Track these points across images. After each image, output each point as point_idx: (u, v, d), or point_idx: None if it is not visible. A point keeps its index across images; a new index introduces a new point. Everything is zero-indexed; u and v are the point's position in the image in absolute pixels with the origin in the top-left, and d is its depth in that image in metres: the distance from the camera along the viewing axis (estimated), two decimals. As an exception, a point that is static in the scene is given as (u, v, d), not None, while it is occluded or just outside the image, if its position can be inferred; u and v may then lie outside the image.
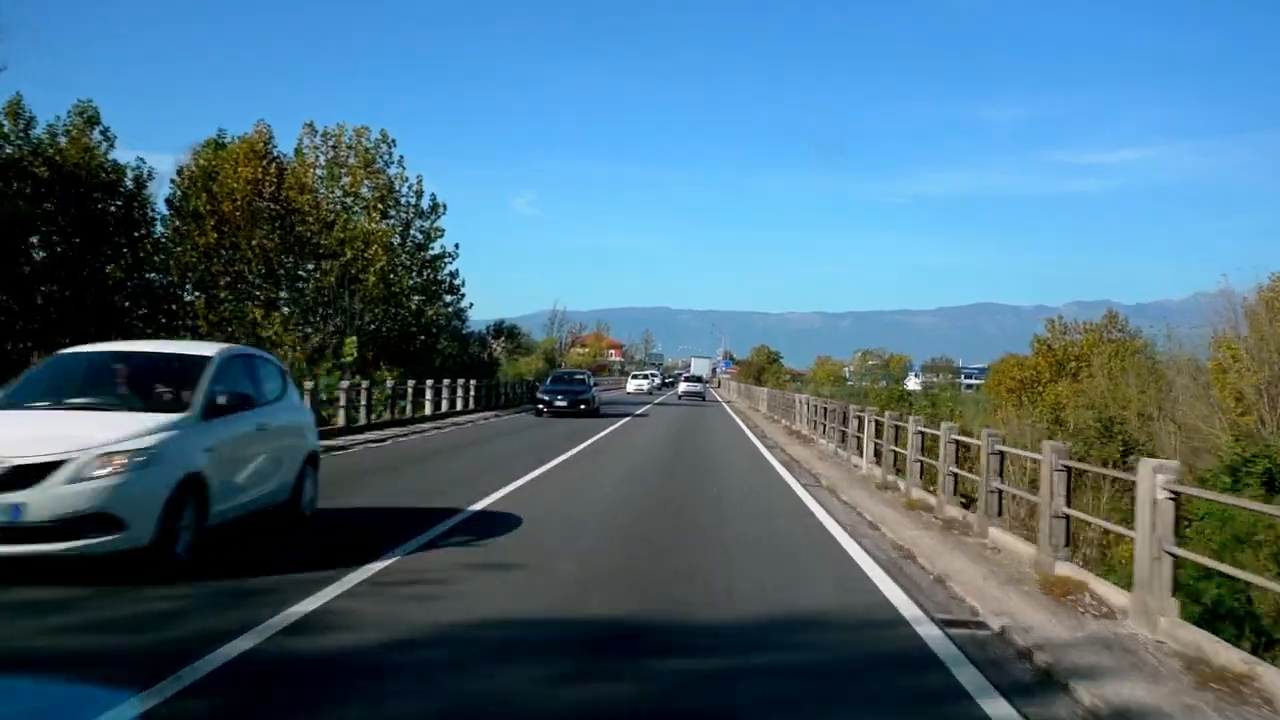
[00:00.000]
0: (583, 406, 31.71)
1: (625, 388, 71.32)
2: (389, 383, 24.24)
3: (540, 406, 31.84)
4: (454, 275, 41.86)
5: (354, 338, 29.06)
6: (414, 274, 39.66)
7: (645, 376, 77.47)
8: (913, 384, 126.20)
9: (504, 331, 44.90)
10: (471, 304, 41.52)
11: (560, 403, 31.66)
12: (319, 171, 38.67)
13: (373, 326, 37.33)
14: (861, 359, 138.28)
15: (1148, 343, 67.68)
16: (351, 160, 39.05)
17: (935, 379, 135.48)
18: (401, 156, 40.38)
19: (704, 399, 58.31)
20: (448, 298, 41.37)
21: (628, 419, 31.33)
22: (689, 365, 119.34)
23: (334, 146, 39.30)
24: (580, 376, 36.56)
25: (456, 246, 41.98)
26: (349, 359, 27.62)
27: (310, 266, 36.95)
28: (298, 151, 38.15)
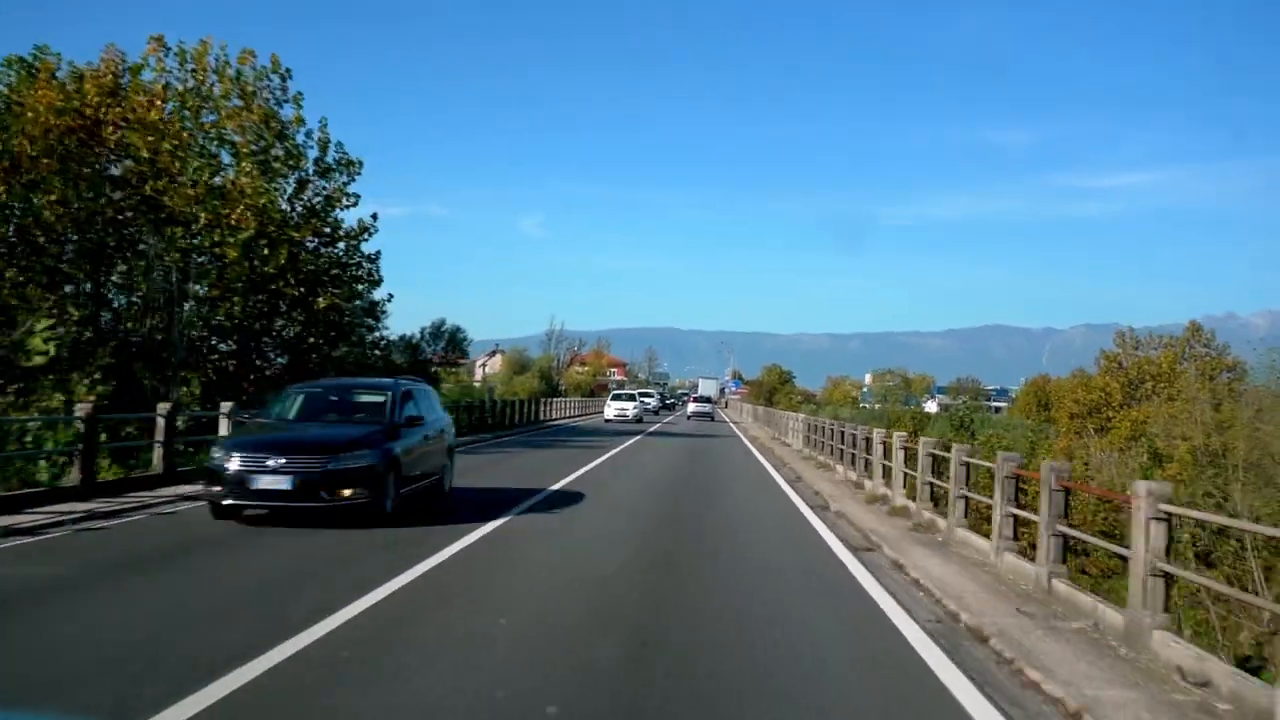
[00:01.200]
0: (350, 495, 10.29)
1: (604, 414, 50.49)
2: (80, 407, 11.63)
3: (217, 492, 10.30)
4: (371, 258, 29.53)
5: (46, 323, 16.13)
6: (308, 250, 27.35)
7: (631, 397, 52.81)
8: (931, 406, 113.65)
9: (443, 335, 32.34)
10: (391, 295, 29.11)
11: (273, 481, 10.10)
12: (170, 106, 26.41)
13: (231, 322, 25.04)
14: (878, 379, 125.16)
15: (1240, 361, 56.09)
16: (217, 89, 26.83)
17: (952, 401, 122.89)
18: (299, 94, 28.18)
19: (712, 419, 60.43)
20: (358, 287, 28.99)
21: (505, 520, 11.51)
22: (696, 386, 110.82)
23: (194, 72, 27.06)
24: (367, 398, 12.41)
25: (375, 217, 29.65)
26: (38, 360, 14.95)
27: (151, 238, 24.73)
28: (134, 70, 25.86)
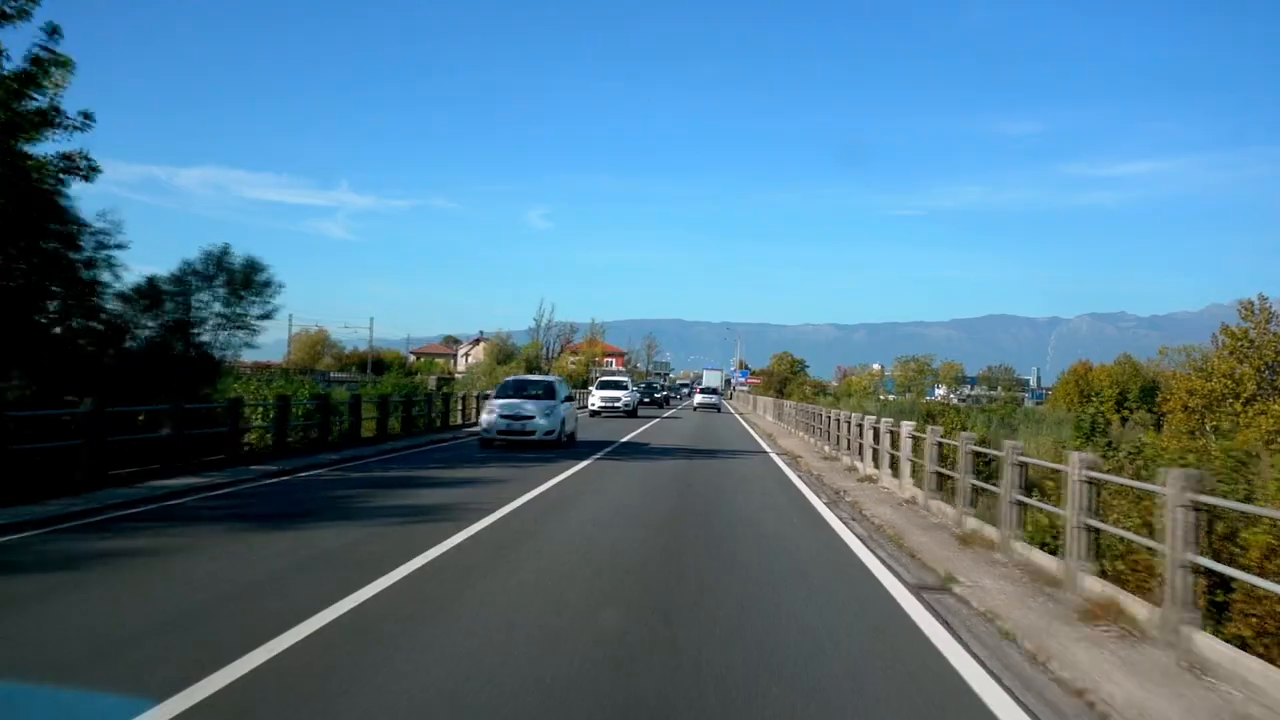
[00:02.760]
0: None
1: (481, 421, 23.26)
2: None
3: None
4: (41, 115, 14.22)
5: None
6: None
7: (545, 391, 23.04)
8: (949, 397, 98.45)
9: (227, 273, 16.71)
10: (91, 159, 13.70)
11: None
12: None
13: None
14: (901, 367, 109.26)
15: None
16: None
17: (987, 391, 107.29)
18: None
19: (719, 410, 58.62)
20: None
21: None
22: (700, 378, 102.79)
23: None
24: None
25: (54, 32, 14.46)
26: None
27: None
28: None
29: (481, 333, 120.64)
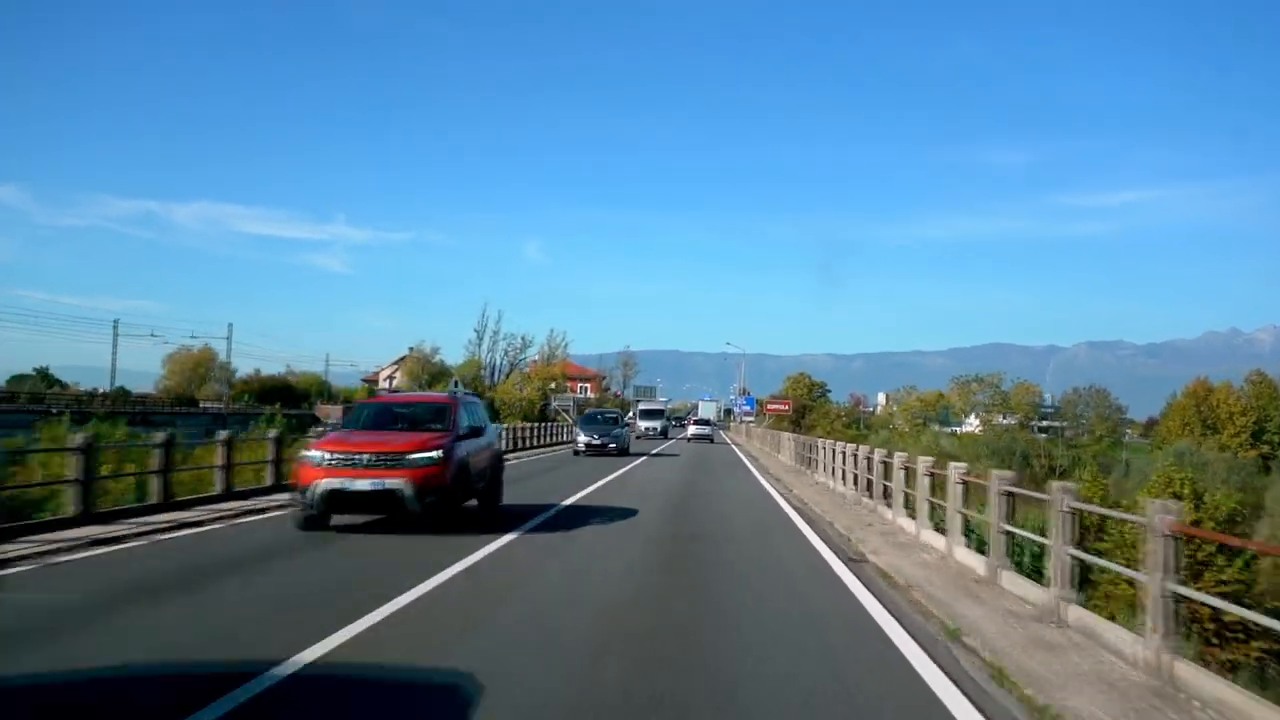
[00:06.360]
0: None
1: None
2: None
3: None
4: None
5: None
6: None
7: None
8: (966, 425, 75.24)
9: None
10: None
11: None
12: None
13: None
14: (962, 389, 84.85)
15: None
16: None
17: (1061, 423, 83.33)
18: None
19: (712, 440, 57.81)
20: None
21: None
22: (695, 408, 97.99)
23: None
24: None
25: None
26: None
27: None
28: None
29: (411, 349, 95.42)
